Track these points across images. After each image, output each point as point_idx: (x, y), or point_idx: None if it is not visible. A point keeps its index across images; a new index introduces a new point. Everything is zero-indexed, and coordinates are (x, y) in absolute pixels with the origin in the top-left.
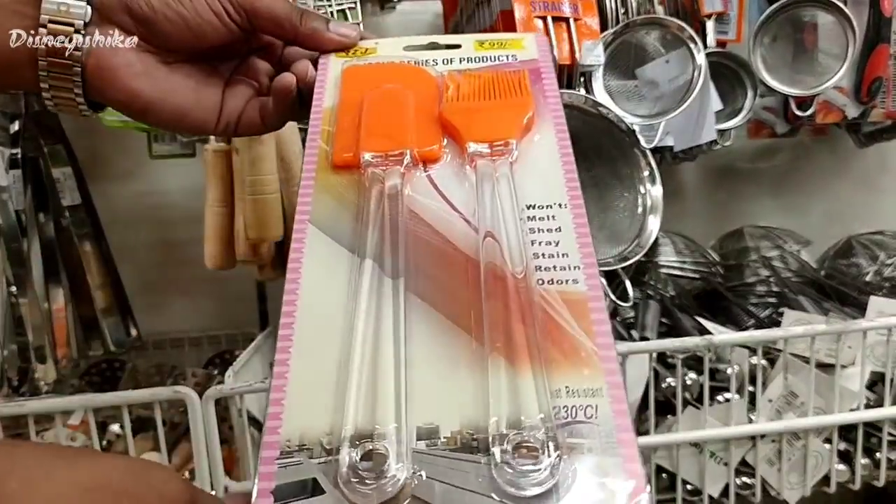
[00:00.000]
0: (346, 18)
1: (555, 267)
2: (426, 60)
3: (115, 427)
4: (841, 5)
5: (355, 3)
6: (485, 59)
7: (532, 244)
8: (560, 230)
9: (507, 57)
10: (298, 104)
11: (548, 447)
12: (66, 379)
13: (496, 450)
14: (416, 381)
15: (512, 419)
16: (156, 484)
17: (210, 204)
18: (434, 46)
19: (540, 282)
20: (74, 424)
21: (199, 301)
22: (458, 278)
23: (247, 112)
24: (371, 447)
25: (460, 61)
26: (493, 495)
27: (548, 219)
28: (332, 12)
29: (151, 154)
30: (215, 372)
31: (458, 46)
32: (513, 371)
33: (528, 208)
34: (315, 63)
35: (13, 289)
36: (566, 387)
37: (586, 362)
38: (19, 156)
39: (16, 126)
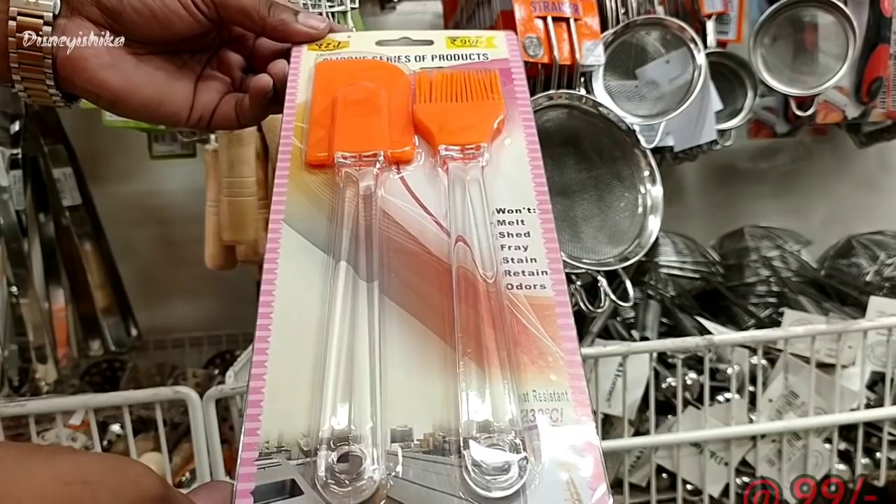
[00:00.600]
0: (345, 21)
1: (523, 272)
2: (398, 57)
3: (115, 427)
4: (841, 5)
5: (344, 8)
6: (456, 56)
7: (502, 248)
8: (529, 235)
9: (479, 56)
10: (274, 101)
11: (516, 450)
12: (67, 379)
13: (467, 452)
14: (389, 384)
15: (482, 422)
16: (132, 477)
17: (210, 204)
18: (407, 42)
19: (509, 286)
20: (75, 424)
21: (200, 301)
22: (431, 282)
23: (221, 107)
24: (347, 449)
25: (432, 59)
26: (465, 496)
27: (517, 223)
28: (327, 14)
29: (151, 154)
30: (216, 372)
31: (430, 42)
32: (483, 375)
33: (498, 212)
34: (287, 55)
35: (13, 289)
36: (533, 391)
37: (553, 367)
38: (20, 156)
39: (16, 126)
